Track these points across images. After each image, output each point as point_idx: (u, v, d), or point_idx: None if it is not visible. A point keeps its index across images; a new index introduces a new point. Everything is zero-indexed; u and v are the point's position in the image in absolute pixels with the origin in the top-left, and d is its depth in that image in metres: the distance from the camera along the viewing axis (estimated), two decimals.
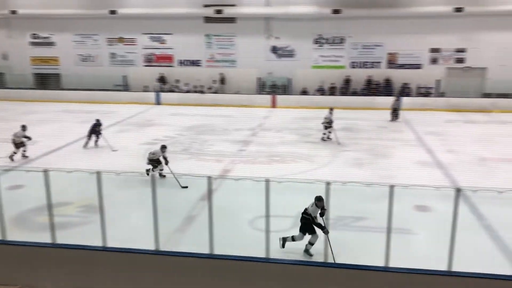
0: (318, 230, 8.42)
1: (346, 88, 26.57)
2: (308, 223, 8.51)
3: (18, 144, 15.06)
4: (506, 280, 6.77)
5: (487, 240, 9.57)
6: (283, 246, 8.78)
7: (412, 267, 6.99)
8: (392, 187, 6.77)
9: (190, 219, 10.46)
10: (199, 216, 10.36)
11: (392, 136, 18.86)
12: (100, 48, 29.72)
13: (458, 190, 6.86)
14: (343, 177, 10.45)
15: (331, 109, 18.39)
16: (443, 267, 6.95)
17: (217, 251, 7.25)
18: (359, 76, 26.57)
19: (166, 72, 28.54)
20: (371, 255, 7.72)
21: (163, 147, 13.23)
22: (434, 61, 26.31)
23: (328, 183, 7.09)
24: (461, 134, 18.97)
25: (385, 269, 6.94)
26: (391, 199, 6.77)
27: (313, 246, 8.68)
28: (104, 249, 7.47)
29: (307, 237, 8.73)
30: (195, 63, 28.88)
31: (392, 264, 6.98)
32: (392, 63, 26.67)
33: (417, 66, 26.44)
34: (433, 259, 7.49)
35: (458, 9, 24.50)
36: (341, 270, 7.06)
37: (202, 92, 27.19)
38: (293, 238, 8.78)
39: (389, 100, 24.81)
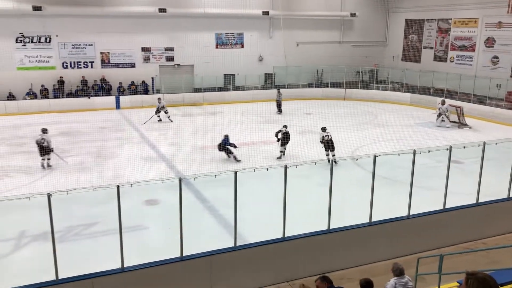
0: None
1: (60, 90, 24.87)
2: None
3: None
4: (229, 252, 7.65)
5: (211, 219, 10.59)
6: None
7: (148, 261, 7.13)
8: (118, 187, 6.69)
9: None
10: None
11: (115, 135, 18.71)
12: None
13: (181, 180, 7.31)
14: (68, 185, 9.76)
15: (159, 98, 21.83)
16: (177, 254, 7.32)
17: None
18: (73, 76, 25.25)
19: None
20: (104, 260, 7.50)
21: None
22: (146, 59, 27.22)
23: (49, 195, 6.49)
24: (180, 127, 20.28)
25: (122, 270, 6.84)
26: (119, 199, 6.70)
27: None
28: None
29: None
30: None
31: (128, 263, 6.94)
32: (106, 62, 26.30)
33: (131, 65, 26.87)
34: (167, 249, 7.79)
35: (162, 10, 25.95)
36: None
37: None
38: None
39: (109, 100, 24.71)
